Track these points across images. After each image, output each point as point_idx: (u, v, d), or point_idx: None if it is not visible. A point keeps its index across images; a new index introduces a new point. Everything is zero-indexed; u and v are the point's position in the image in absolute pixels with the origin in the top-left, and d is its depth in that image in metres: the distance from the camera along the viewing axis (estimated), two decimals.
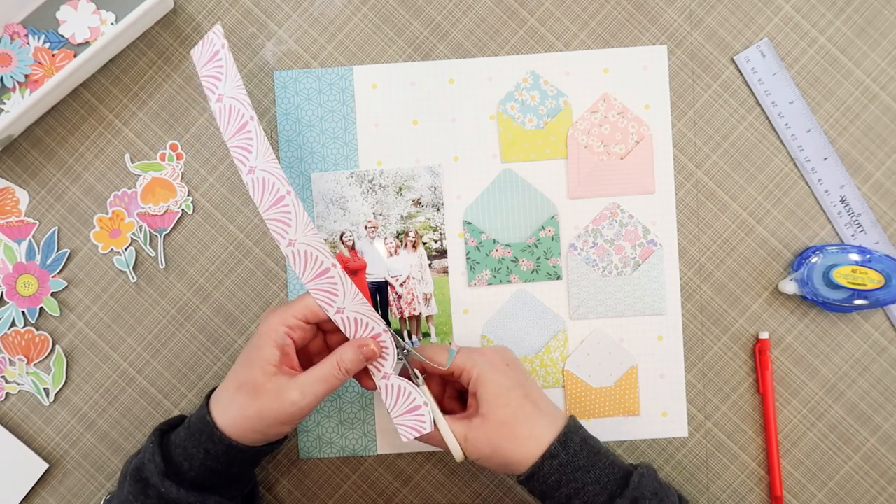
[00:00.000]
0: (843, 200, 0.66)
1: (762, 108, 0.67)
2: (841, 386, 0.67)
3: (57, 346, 0.67)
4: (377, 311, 0.64)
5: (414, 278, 0.67)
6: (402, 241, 0.66)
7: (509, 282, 0.67)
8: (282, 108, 0.67)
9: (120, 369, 0.67)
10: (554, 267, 0.67)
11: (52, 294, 0.67)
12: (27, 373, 0.67)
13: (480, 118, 0.67)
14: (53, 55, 0.66)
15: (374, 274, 0.67)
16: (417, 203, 0.66)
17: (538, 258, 0.67)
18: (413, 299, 0.67)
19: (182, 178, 0.67)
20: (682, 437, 0.67)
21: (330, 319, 0.56)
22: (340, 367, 0.55)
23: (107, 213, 0.67)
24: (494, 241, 0.67)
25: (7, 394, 0.67)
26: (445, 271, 0.67)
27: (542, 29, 0.67)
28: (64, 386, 0.67)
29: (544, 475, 0.54)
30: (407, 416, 0.57)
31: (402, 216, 0.66)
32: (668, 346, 0.67)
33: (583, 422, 0.66)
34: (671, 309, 0.67)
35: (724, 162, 0.67)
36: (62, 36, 0.66)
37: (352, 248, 0.66)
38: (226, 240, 0.67)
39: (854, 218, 0.66)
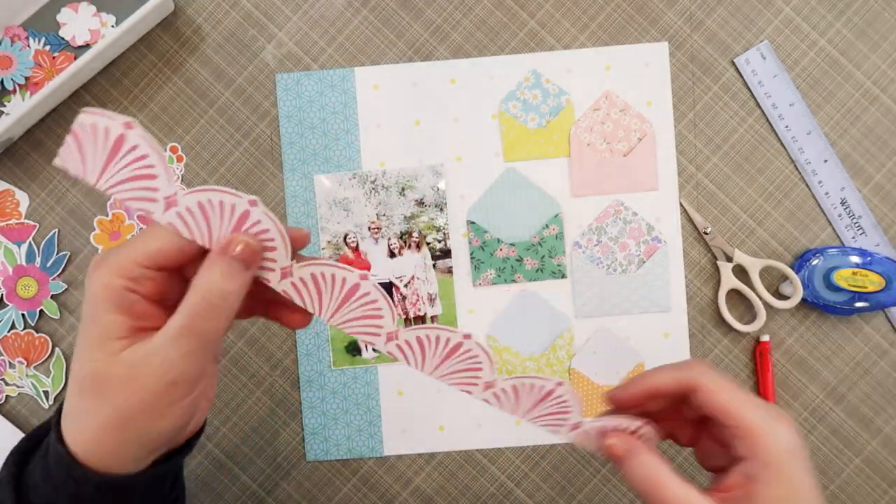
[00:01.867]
0: (843, 203, 0.66)
1: (762, 111, 0.67)
2: (842, 389, 0.67)
3: (57, 349, 0.67)
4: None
5: (418, 278, 0.67)
6: (405, 242, 0.66)
7: (514, 281, 0.67)
8: (284, 110, 0.67)
9: None
10: (558, 265, 0.67)
11: (52, 296, 0.66)
12: (27, 375, 0.67)
13: (482, 118, 0.67)
14: (54, 58, 0.66)
15: (378, 275, 0.67)
16: (420, 203, 0.66)
17: (542, 257, 0.66)
18: (418, 300, 0.67)
19: (182, 180, 0.67)
20: None
21: (196, 257, 0.37)
22: (206, 297, 0.35)
23: (107, 216, 0.67)
24: (498, 240, 0.67)
25: (7, 396, 0.67)
26: (449, 271, 0.67)
27: (542, 31, 0.67)
28: (64, 388, 0.67)
29: None
30: (549, 416, 0.42)
31: (405, 216, 0.66)
32: (674, 343, 0.67)
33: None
34: (676, 306, 0.67)
35: (724, 164, 0.67)
36: (62, 38, 0.66)
37: (356, 250, 0.66)
38: None
39: (854, 220, 0.66)
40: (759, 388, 0.66)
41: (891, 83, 0.66)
